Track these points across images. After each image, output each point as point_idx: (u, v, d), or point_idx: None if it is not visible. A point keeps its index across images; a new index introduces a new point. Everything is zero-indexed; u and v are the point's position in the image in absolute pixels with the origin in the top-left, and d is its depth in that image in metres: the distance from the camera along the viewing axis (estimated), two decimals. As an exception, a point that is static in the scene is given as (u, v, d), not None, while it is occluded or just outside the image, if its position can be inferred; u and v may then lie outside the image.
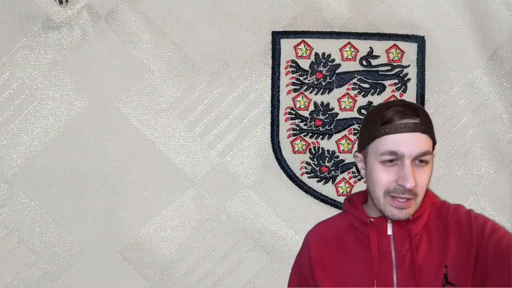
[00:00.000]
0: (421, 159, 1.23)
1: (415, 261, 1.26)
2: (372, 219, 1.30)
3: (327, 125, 1.80)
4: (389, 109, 1.26)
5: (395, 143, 1.22)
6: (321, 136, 1.80)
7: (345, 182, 1.81)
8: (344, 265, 1.32)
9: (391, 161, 1.23)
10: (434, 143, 1.29)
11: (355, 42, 1.80)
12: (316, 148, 1.80)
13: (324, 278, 1.32)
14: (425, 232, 1.31)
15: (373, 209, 1.34)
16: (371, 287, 1.26)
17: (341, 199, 1.79)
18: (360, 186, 1.80)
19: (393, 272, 1.27)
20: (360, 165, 1.35)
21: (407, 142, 1.21)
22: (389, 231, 1.29)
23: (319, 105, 1.80)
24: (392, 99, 1.80)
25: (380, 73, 1.80)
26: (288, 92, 1.80)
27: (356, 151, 1.37)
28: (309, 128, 1.80)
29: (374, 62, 1.80)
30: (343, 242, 1.35)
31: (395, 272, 1.27)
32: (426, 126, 1.24)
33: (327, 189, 1.80)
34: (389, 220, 1.29)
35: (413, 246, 1.26)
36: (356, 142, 1.80)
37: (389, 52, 1.80)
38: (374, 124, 1.27)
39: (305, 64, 1.80)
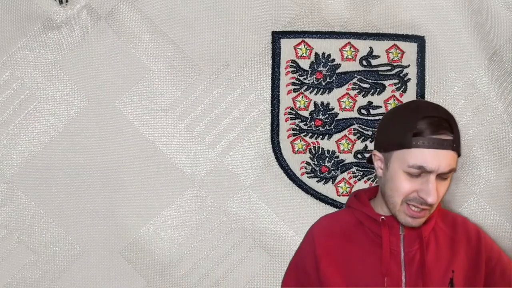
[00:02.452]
0: (445, 177, 1.24)
1: (426, 262, 1.26)
2: (383, 217, 1.30)
3: (327, 125, 1.80)
4: (424, 119, 1.22)
5: (424, 158, 1.20)
6: (321, 136, 1.80)
7: (345, 182, 1.81)
8: (352, 260, 1.32)
9: (418, 173, 1.22)
10: (459, 156, 1.27)
11: (355, 42, 1.80)
12: (316, 148, 1.80)
13: (333, 272, 1.32)
14: (432, 235, 1.32)
15: (381, 206, 1.34)
16: (381, 285, 1.27)
17: (341, 199, 1.79)
18: (360, 186, 1.80)
19: (402, 271, 1.28)
20: (378, 164, 1.33)
21: (437, 159, 1.20)
22: (401, 231, 1.30)
23: (319, 105, 1.80)
24: (392, 99, 1.80)
25: (380, 73, 1.80)
26: (288, 92, 1.80)
27: (375, 149, 1.34)
28: (309, 128, 1.80)
29: (374, 62, 1.80)
30: (351, 238, 1.35)
31: (404, 272, 1.28)
32: (457, 143, 1.23)
33: (327, 189, 1.80)
34: None
35: (423, 247, 1.27)
36: (357, 142, 1.80)
37: (389, 52, 1.80)
38: (404, 132, 1.23)
39: (305, 64, 1.80)
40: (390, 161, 1.27)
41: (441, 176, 1.23)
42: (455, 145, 1.21)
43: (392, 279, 1.27)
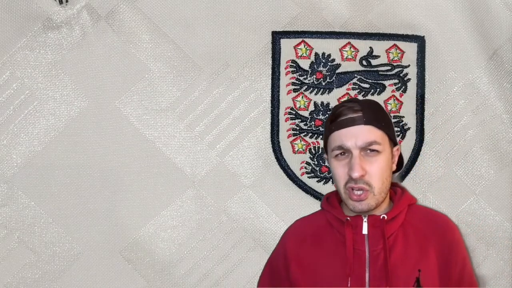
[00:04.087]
0: (370, 149, 1.28)
1: (388, 262, 1.27)
2: (348, 218, 1.32)
3: (327, 125, 1.80)
4: (337, 108, 1.34)
5: (340, 137, 1.29)
6: (321, 136, 1.80)
7: (345, 182, 1.80)
8: (319, 262, 1.34)
9: (342, 154, 1.29)
10: (388, 135, 1.32)
11: (355, 42, 1.80)
12: (316, 148, 1.80)
13: (299, 275, 1.34)
14: (401, 232, 1.33)
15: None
16: (344, 285, 1.28)
17: (341, 199, 1.80)
18: (360, 186, 1.80)
19: (365, 271, 1.29)
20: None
21: (351, 135, 1.28)
22: (364, 230, 1.31)
23: (319, 105, 1.80)
24: (392, 99, 1.80)
25: (380, 73, 1.80)
26: (288, 92, 1.80)
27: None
28: (309, 128, 1.80)
29: (374, 62, 1.80)
30: (319, 239, 1.37)
31: (368, 271, 1.29)
32: (369, 118, 1.30)
33: (327, 189, 1.79)
34: (365, 220, 1.31)
35: (386, 246, 1.28)
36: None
37: (389, 52, 1.80)
38: (327, 124, 1.35)
39: (305, 64, 1.80)
40: (328, 156, 1.36)
41: (367, 151, 1.28)
42: (365, 119, 1.28)
43: (356, 279, 1.28)
